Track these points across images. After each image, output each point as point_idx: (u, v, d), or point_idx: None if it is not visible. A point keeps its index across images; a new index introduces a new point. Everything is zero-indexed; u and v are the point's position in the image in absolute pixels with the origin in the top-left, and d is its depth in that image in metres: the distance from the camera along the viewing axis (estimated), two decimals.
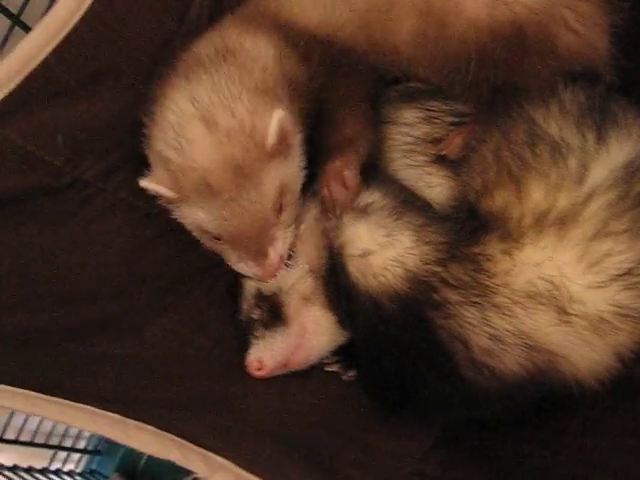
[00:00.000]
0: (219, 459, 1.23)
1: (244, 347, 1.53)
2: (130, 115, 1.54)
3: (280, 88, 1.49)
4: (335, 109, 1.60)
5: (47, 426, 2.34)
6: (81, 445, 2.49)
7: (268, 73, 1.50)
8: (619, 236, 1.34)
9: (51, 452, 2.38)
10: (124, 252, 1.61)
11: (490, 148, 1.48)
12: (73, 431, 2.41)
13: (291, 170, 1.50)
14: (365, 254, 1.43)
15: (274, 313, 1.52)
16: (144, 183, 1.46)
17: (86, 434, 2.46)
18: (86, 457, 2.52)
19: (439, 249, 1.41)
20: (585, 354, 1.34)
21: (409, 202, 1.52)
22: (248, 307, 1.57)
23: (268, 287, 1.54)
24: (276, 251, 1.48)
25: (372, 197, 1.52)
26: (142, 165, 1.51)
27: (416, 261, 1.40)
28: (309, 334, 1.51)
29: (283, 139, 1.43)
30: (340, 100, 1.60)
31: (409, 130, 1.67)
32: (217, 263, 1.59)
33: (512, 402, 1.36)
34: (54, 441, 2.39)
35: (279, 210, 1.47)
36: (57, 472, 2.35)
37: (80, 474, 2.44)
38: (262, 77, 1.48)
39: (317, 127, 1.58)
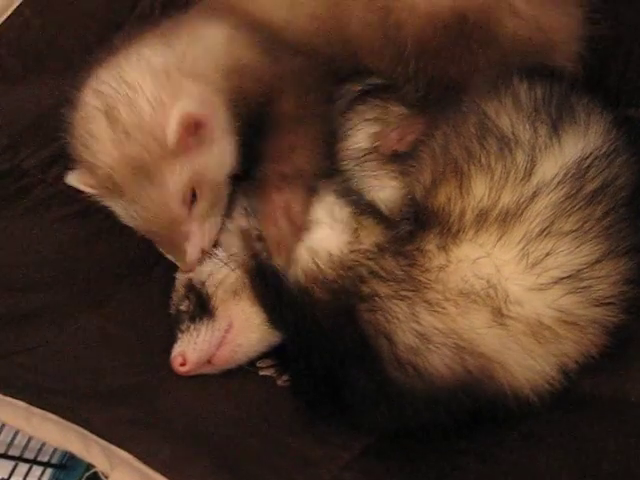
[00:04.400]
0: (121, 452, 1.17)
1: (172, 342, 1.44)
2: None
3: (220, 72, 1.41)
4: (286, 128, 1.44)
5: (7, 437, 2.25)
6: (44, 458, 2.39)
7: (210, 53, 1.42)
8: (564, 237, 1.24)
9: (11, 464, 2.29)
10: (58, 245, 1.57)
11: (439, 142, 1.40)
12: (34, 444, 2.32)
13: (210, 159, 1.38)
14: None
15: (202, 305, 1.42)
16: (68, 179, 1.41)
17: (50, 448, 2.36)
18: (49, 471, 2.43)
19: (375, 242, 1.33)
20: (523, 362, 1.24)
21: (351, 194, 1.45)
22: (178, 299, 1.48)
23: (197, 277, 1.46)
24: (194, 245, 1.41)
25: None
26: None
27: (349, 249, 1.33)
28: (236, 330, 1.41)
29: (197, 127, 1.33)
30: (293, 118, 1.45)
31: (362, 134, 1.58)
32: (155, 260, 1.53)
33: (442, 409, 1.25)
34: (14, 452, 2.30)
35: (189, 205, 1.38)
36: None
37: None
38: (203, 58, 1.41)
39: (261, 134, 1.45)
